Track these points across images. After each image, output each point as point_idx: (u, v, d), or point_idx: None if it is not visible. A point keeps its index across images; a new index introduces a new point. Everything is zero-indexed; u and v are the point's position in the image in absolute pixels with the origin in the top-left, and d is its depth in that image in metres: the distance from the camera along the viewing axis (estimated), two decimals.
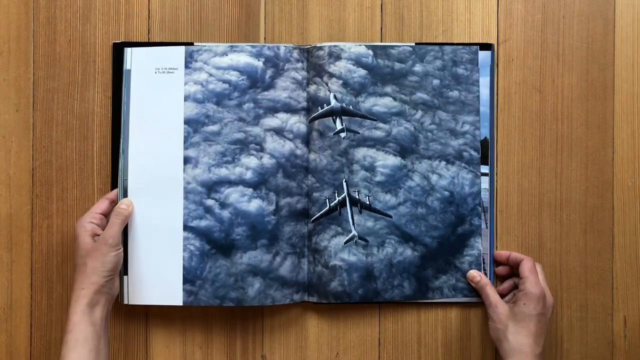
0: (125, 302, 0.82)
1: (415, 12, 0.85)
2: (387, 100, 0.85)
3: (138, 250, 0.83)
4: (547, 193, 0.84)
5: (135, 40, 0.84)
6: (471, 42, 0.85)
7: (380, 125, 0.84)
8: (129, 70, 0.83)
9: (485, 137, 0.84)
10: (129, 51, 0.83)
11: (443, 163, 0.85)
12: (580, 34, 0.84)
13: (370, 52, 0.84)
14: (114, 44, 0.84)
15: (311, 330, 0.85)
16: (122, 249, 0.79)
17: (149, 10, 0.85)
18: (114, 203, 0.82)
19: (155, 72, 0.83)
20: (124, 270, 0.82)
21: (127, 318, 0.84)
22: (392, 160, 0.84)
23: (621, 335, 0.84)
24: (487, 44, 0.84)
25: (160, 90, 0.83)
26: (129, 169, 0.83)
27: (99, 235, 0.78)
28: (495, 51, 0.84)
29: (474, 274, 0.83)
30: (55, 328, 0.84)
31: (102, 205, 0.81)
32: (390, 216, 0.84)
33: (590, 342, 0.84)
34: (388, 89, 0.85)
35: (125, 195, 0.82)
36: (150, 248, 0.83)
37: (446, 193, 0.84)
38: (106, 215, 0.81)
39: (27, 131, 0.84)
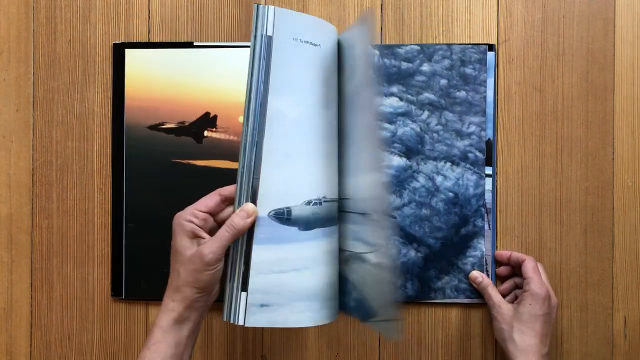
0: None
1: (415, 12, 0.85)
2: (393, 101, 0.84)
3: None
4: (547, 193, 0.84)
5: (135, 41, 0.84)
6: (471, 42, 0.84)
7: (386, 125, 0.84)
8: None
9: (489, 139, 0.84)
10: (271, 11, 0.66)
11: (448, 164, 0.84)
12: (580, 34, 0.84)
13: (377, 51, 0.84)
14: (114, 44, 0.84)
15: (311, 330, 0.85)
16: (221, 265, 0.65)
17: (149, 10, 0.85)
18: (226, 202, 0.68)
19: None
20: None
21: (126, 317, 0.84)
22: (397, 161, 0.84)
23: (621, 335, 0.84)
24: (491, 44, 0.84)
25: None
26: (263, 166, 0.66)
27: (200, 237, 0.66)
28: (495, 51, 0.84)
29: (475, 274, 0.83)
30: (55, 328, 0.84)
31: (210, 201, 0.67)
32: (394, 217, 0.84)
33: (590, 342, 0.84)
34: (394, 89, 0.84)
35: (252, 198, 0.66)
36: None
37: (450, 194, 0.84)
38: (213, 214, 0.68)
39: (27, 131, 0.84)
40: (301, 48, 0.67)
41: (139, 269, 0.84)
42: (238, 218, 0.65)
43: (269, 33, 0.65)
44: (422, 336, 0.85)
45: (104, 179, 0.84)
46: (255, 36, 0.65)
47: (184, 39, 0.85)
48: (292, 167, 0.68)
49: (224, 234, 0.64)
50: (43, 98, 0.84)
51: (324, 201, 0.70)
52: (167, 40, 0.85)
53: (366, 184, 0.69)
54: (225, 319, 0.67)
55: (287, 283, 0.68)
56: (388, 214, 0.82)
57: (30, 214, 0.84)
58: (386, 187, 0.82)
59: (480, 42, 0.84)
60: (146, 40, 0.85)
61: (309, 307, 0.69)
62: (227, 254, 0.67)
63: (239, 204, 0.66)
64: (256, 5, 0.65)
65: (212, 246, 0.64)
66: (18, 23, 0.84)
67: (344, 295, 0.73)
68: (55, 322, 0.84)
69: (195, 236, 0.65)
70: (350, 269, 0.72)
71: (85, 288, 0.85)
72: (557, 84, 0.84)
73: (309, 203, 0.68)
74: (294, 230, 0.68)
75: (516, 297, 0.81)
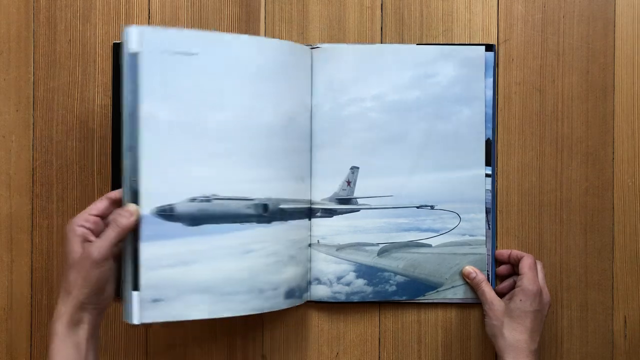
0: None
1: (415, 12, 0.85)
2: None
3: None
4: (547, 193, 0.84)
5: None
6: (471, 42, 0.85)
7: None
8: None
9: (489, 138, 0.84)
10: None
11: None
12: (580, 34, 0.84)
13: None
14: (114, 44, 0.84)
15: (311, 330, 0.85)
16: (110, 264, 0.67)
17: (149, 10, 0.85)
18: (115, 205, 0.71)
19: None
20: None
21: None
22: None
23: (621, 335, 0.84)
24: (491, 44, 0.84)
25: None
26: (141, 168, 0.70)
27: (90, 241, 0.68)
28: (495, 51, 0.84)
29: (469, 269, 0.83)
30: None
31: (99, 205, 0.70)
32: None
33: (590, 342, 0.84)
34: None
35: (134, 199, 0.70)
36: None
37: None
38: (104, 217, 0.70)
39: (27, 131, 0.84)
40: (172, 59, 0.71)
41: None
42: (121, 217, 0.68)
43: (135, 50, 0.69)
44: (422, 336, 0.85)
45: (104, 179, 0.84)
46: (123, 53, 0.70)
47: None
48: (173, 167, 0.72)
49: (109, 232, 0.67)
50: (43, 98, 0.84)
51: (214, 199, 0.74)
52: None
53: (426, 181, 0.83)
54: (123, 319, 0.70)
55: (178, 277, 0.72)
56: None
57: (30, 214, 0.84)
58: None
59: (480, 42, 0.84)
60: None
61: (202, 299, 0.73)
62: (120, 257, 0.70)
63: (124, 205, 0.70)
64: (125, 27, 0.69)
65: (97, 244, 0.66)
66: (18, 23, 0.84)
67: (380, 284, 0.83)
68: None
69: (85, 240, 0.67)
70: (390, 258, 0.83)
71: None
72: (557, 84, 0.85)
73: (193, 200, 0.72)
74: (179, 225, 0.72)
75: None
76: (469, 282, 0.83)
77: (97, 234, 0.69)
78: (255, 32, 0.85)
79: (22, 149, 0.84)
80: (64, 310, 0.66)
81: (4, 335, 0.84)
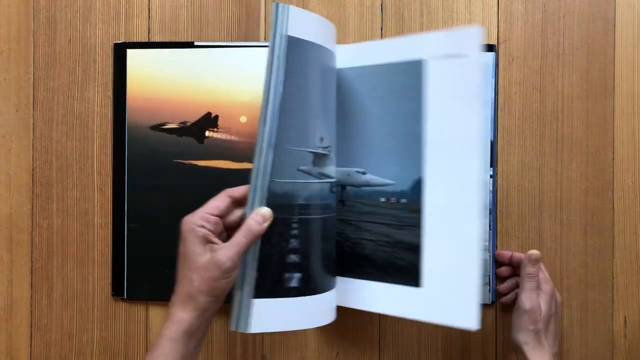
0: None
1: (415, 12, 0.85)
2: None
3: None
4: (547, 193, 0.84)
5: (135, 41, 0.84)
6: None
7: None
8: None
9: (491, 140, 0.84)
10: None
11: None
12: (580, 34, 0.84)
13: None
14: (115, 44, 0.84)
15: (311, 330, 0.85)
16: (237, 272, 0.62)
17: (149, 10, 0.85)
18: (235, 204, 0.65)
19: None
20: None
21: (126, 317, 0.84)
22: None
23: (621, 335, 0.84)
24: (491, 44, 0.84)
25: None
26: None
27: (212, 243, 0.62)
28: (495, 51, 0.84)
29: (535, 253, 0.77)
30: (55, 328, 0.84)
31: (219, 204, 0.64)
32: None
33: (590, 342, 0.84)
34: None
35: (268, 202, 0.64)
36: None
37: None
38: (223, 217, 0.65)
39: (27, 131, 0.84)
40: (317, 50, 0.67)
41: (141, 269, 0.84)
42: (254, 222, 0.62)
43: (289, 33, 0.64)
44: (422, 336, 0.85)
45: (104, 179, 0.84)
46: (275, 36, 0.64)
47: (184, 39, 0.85)
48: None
49: (240, 239, 0.61)
50: (43, 98, 0.84)
51: None
52: (167, 40, 0.85)
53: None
54: (233, 329, 0.65)
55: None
56: None
57: (30, 214, 0.84)
58: None
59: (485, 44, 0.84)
60: (146, 40, 0.85)
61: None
62: None
63: (252, 207, 0.64)
64: (275, 3, 0.64)
65: (229, 253, 0.61)
66: (18, 23, 0.84)
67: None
68: (55, 322, 0.84)
69: (207, 242, 0.62)
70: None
71: (85, 288, 0.85)
72: (557, 84, 0.85)
73: None
74: None
75: (517, 296, 0.81)
76: (524, 269, 0.77)
77: (217, 234, 0.64)
78: (255, 32, 0.85)
79: (22, 149, 0.84)
80: (183, 316, 0.61)
81: (4, 335, 0.84)
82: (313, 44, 0.67)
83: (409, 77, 0.73)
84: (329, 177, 0.72)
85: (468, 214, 0.69)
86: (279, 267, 0.67)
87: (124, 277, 0.84)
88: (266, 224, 0.63)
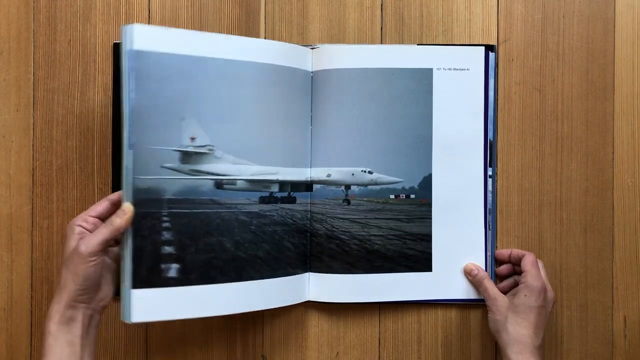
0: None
1: (415, 12, 0.85)
2: None
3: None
4: (547, 193, 0.84)
5: None
6: (471, 42, 0.85)
7: None
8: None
9: (491, 140, 0.84)
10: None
11: None
12: (580, 34, 0.84)
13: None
14: (115, 44, 0.84)
15: (311, 330, 0.85)
16: (99, 260, 0.68)
17: (149, 10, 0.85)
18: (115, 207, 0.72)
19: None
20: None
21: None
22: None
23: (621, 335, 0.84)
24: (491, 44, 0.84)
25: None
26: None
27: None
28: (495, 51, 0.84)
29: (471, 267, 0.83)
30: None
31: (99, 207, 0.72)
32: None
33: (590, 342, 0.84)
34: None
35: (129, 198, 0.71)
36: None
37: None
38: (103, 219, 0.72)
39: (27, 131, 0.84)
40: (171, 58, 0.74)
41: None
42: (115, 216, 0.70)
43: (135, 47, 0.71)
44: (422, 336, 0.85)
45: (104, 179, 0.84)
46: (123, 52, 0.71)
47: None
48: None
49: (102, 229, 0.68)
50: (43, 98, 0.84)
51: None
52: None
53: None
54: (121, 318, 0.71)
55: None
56: None
57: (30, 214, 0.84)
58: None
59: (480, 42, 0.84)
60: None
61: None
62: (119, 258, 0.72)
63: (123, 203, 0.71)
64: (122, 26, 0.71)
65: (87, 240, 0.67)
66: (18, 23, 0.84)
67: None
68: None
69: (82, 239, 0.68)
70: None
71: None
72: (557, 84, 0.85)
73: None
74: None
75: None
76: (471, 280, 0.83)
77: None
78: (255, 32, 0.85)
79: (22, 149, 0.84)
80: (56, 308, 0.67)
81: (4, 335, 0.84)
82: (166, 54, 0.73)
83: (419, 83, 0.83)
84: (211, 173, 0.78)
85: (471, 205, 0.84)
86: (153, 258, 0.73)
87: None
88: (127, 217, 0.69)
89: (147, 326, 0.84)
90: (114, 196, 0.73)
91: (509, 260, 0.83)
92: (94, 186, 0.84)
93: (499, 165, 0.85)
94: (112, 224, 0.69)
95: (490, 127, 0.84)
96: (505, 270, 0.84)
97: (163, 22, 0.85)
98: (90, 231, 0.70)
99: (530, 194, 0.84)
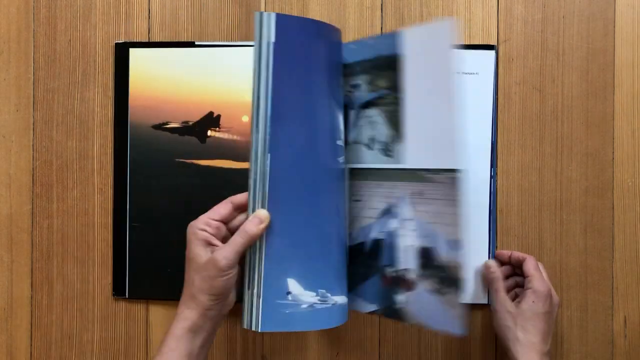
0: None
1: (415, 12, 0.85)
2: None
3: None
4: (547, 193, 0.84)
5: (135, 40, 0.84)
6: (471, 42, 0.85)
7: None
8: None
9: (491, 140, 0.84)
10: None
11: None
12: (580, 34, 0.85)
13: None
14: (115, 44, 0.84)
15: (311, 330, 0.85)
16: (235, 271, 0.66)
17: (149, 10, 0.85)
18: (239, 210, 0.69)
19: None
20: None
21: (127, 317, 0.84)
22: None
23: (621, 335, 0.84)
24: (491, 44, 0.84)
25: None
26: (268, 171, 0.67)
27: (214, 245, 0.66)
28: (495, 51, 0.84)
29: (491, 263, 0.82)
30: (55, 328, 0.84)
31: (222, 209, 0.68)
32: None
33: (590, 342, 0.84)
34: None
35: (263, 205, 0.67)
36: None
37: None
38: (226, 222, 0.69)
39: (27, 131, 0.84)
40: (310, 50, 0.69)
41: (142, 268, 0.84)
42: (251, 224, 0.66)
43: (273, 39, 0.66)
44: (422, 336, 0.85)
45: (104, 179, 0.84)
46: (261, 44, 0.66)
47: (184, 38, 0.85)
48: None
49: (237, 239, 0.65)
50: (43, 98, 0.84)
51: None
52: (167, 40, 0.85)
53: None
54: (245, 326, 0.68)
55: None
56: None
57: (30, 214, 0.84)
58: None
59: (480, 42, 0.85)
60: (146, 40, 0.85)
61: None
62: (244, 262, 0.68)
63: (252, 211, 0.67)
64: (258, 13, 0.65)
65: (225, 252, 0.64)
66: (18, 23, 0.84)
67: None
68: (55, 322, 0.84)
69: (209, 244, 0.66)
70: None
71: (86, 288, 0.84)
72: (557, 84, 0.85)
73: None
74: None
75: (517, 296, 0.81)
76: (486, 275, 0.82)
77: (220, 238, 0.67)
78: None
79: (22, 149, 0.84)
80: (187, 314, 0.65)
81: (4, 335, 0.84)
82: (303, 42, 0.68)
83: None
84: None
85: (476, 207, 0.83)
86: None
87: (126, 277, 0.83)
88: (263, 225, 0.66)
89: (147, 326, 0.84)
90: (238, 199, 0.69)
91: (509, 262, 0.83)
92: (94, 186, 0.84)
93: (499, 165, 0.85)
94: (246, 232, 0.65)
95: (490, 126, 0.84)
96: (505, 271, 0.84)
97: (163, 22, 0.85)
98: (214, 235, 0.67)
99: (530, 194, 0.85)
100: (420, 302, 0.72)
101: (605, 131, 0.84)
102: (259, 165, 0.67)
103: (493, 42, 0.85)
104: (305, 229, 0.69)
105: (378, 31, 0.85)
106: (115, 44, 0.84)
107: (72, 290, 0.84)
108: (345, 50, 0.75)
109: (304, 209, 0.69)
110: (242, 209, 0.69)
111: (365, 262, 0.76)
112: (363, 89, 0.75)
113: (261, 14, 0.65)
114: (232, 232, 0.68)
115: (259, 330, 0.68)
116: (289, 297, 0.68)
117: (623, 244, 0.84)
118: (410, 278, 0.73)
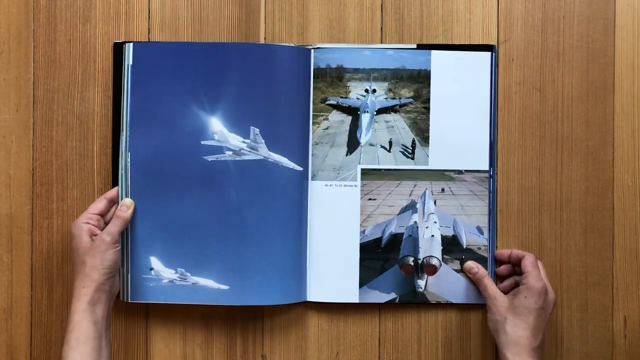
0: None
1: (415, 12, 0.85)
2: None
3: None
4: (547, 193, 0.84)
5: (135, 40, 0.84)
6: (471, 42, 0.84)
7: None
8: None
9: (491, 140, 0.84)
10: None
11: None
12: (580, 34, 0.84)
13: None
14: (115, 44, 0.84)
15: (311, 330, 0.85)
16: (120, 246, 0.78)
17: (149, 10, 0.85)
18: (112, 203, 0.81)
19: None
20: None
21: (127, 317, 0.84)
22: None
23: (621, 335, 0.84)
24: (491, 44, 0.84)
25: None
26: (129, 167, 0.81)
27: (96, 235, 0.77)
28: (495, 51, 0.84)
29: (471, 265, 0.83)
30: (55, 328, 0.84)
31: (98, 205, 0.80)
32: None
33: (590, 342, 0.84)
34: None
35: (127, 194, 0.81)
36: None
37: None
38: (103, 215, 0.80)
39: (27, 131, 0.84)
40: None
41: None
42: (120, 211, 0.79)
43: (131, 62, 0.81)
44: (422, 336, 0.85)
45: (104, 179, 0.84)
46: (122, 66, 0.82)
47: (184, 38, 0.85)
48: None
49: (113, 221, 0.78)
50: (43, 98, 0.84)
51: None
52: (167, 40, 0.85)
53: None
54: (121, 299, 0.82)
55: None
56: None
57: (30, 214, 0.84)
58: None
59: (480, 42, 0.84)
60: (146, 40, 0.85)
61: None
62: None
63: (119, 200, 0.81)
64: (119, 43, 0.81)
65: (107, 230, 0.77)
66: (18, 23, 0.84)
67: None
68: (55, 322, 0.84)
69: (92, 234, 0.77)
70: None
71: None
72: (557, 84, 0.85)
73: None
74: None
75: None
76: (471, 278, 0.83)
77: (100, 228, 0.79)
78: (255, 32, 0.85)
79: (22, 149, 0.84)
80: (85, 291, 0.74)
81: (4, 335, 0.84)
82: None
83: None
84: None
85: None
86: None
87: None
88: (130, 210, 0.80)
89: (147, 326, 0.84)
90: (110, 194, 0.81)
91: (508, 261, 0.83)
92: (94, 186, 0.84)
93: (499, 165, 0.85)
94: (119, 216, 0.79)
95: (490, 126, 0.84)
96: (505, 271, 0.84)
97: (163, 22, 0.85)
98: (97, 227, 0.78)
99: (530, 194, 0.84)
100: (444, 282, 0.83)
101: (605, 131, 0.84)
102: (122, 162, 0.81)
103: (493, 42, 0.85)
104: (167, 215, 0.81)
105: (378, 31, 0.85)
106: (114, 43, 0.84)
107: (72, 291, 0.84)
108: (358, 55, 0.83)
109: (167, 198, 0.81)
110: (114, 201, 0.81)
111: (381, 256, 0.84)
112: (380, 95, 0.83)
113: (122, 44, 0.82)
114: (107, 223, 0.79)
115: (128, 300, 0.82)
116: (152, 272, 0.82)
117: (623, 243, 0.84)
118: (434, 263, 0.83)
